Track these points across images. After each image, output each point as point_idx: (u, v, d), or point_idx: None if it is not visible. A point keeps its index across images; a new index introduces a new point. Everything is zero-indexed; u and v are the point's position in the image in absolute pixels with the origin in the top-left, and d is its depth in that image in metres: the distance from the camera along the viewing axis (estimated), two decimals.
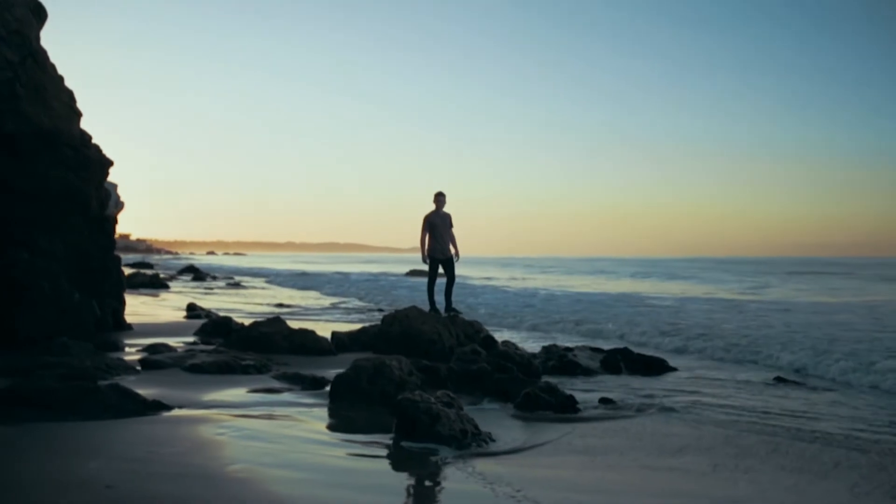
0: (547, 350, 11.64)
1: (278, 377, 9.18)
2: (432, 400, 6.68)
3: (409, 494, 4.82)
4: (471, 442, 6.33)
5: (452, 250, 12.36)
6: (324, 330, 12.96)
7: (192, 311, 19.57)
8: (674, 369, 11.52)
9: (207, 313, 18.51)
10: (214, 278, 44.46)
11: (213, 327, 13.57)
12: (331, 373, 9.70)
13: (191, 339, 13.01)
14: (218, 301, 24.43)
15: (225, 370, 9.36)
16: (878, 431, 7.19)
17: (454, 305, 12.52)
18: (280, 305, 23.74)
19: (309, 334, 11.55)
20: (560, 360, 11.02)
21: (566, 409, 8.02)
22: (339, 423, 7.16)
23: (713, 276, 55.80)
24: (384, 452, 6.03)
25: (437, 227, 12.10)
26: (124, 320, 13.83)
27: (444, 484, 5.01)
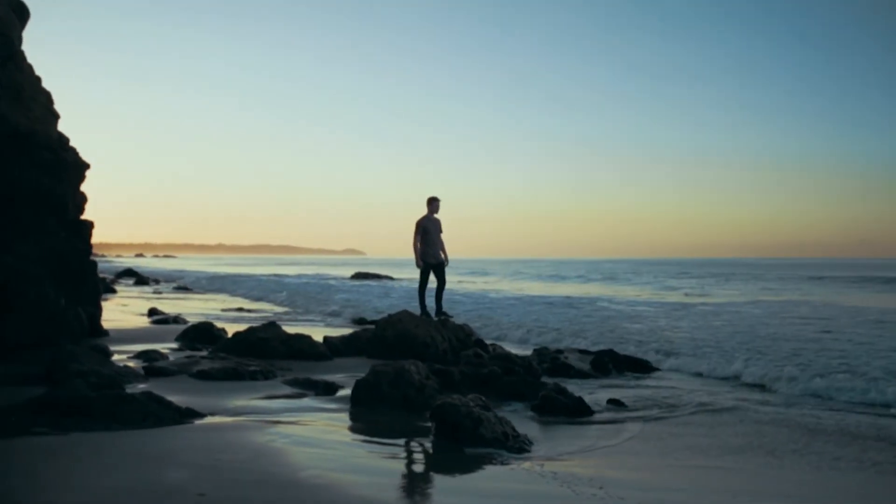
0: (539, 353, 11.90)
1: (290, 383, 9.21)
2: (471, 404, 6.84)
3: (497, 496, 4.95)
4: (513, 445, 6.52)
5: (442, 255, 12.49)
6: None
7: (155, 315, 19.27)
8: (657, 369, 11.92)
9: (175, 318, 18.26)
10: (157, 282, 43.53)
11: (195, 333, 13.43)
12: (334, 377, 9.79)
13: (173, 345, 12.86)
14: (175, 306, 23.98)
15: (233, 376, 9.33)
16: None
17: (444, 309, 12.65)
18: (240, 310, 23.49)
19: (306, 339, 11.55)
20: (553, 363, 11.29)
21: (581, 411, 8.27)
22: (371, 427, 7.24)
23: (660, 279, 57.05)
24: (441, 456, 6.16)
25: (430, 231, 12.23)
26: (101, 326, 13.57)
27: (523, 486, 5.16)
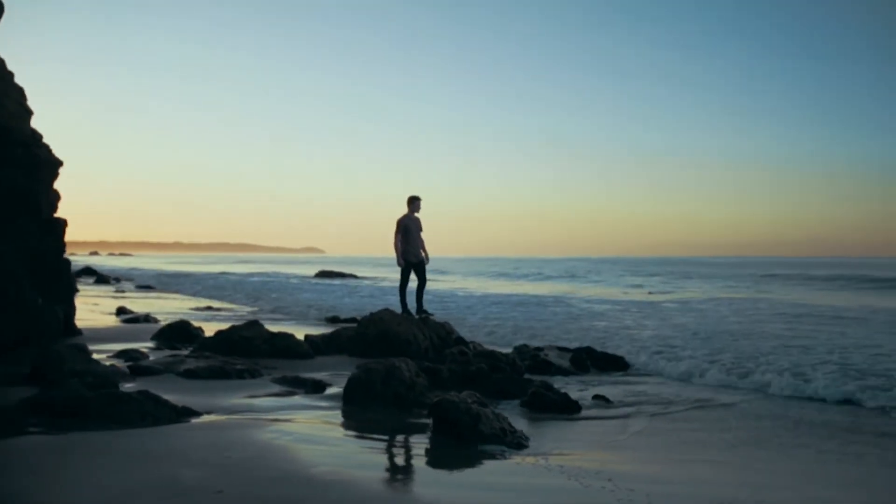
0: (519, 350, 12.04)
1: (278, 381, 9.21)
2: (469, 400, 6.94)
3: (509, 490, 5.04)
4: (511, 440, 6.62)
5: (423, 254, 12.56)
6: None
7: (125, 314, 19.03)
8: (631, 365, 12.12)
9: (146, 317, 18.06)
10: (118, 280, 42.85)
11: (171, 332, 13.32)
12: (319, 376, 9.80)
13: (150, 344, 12.74)
14: (142, 305, 23.67)
15: (220, 375, 9.31)
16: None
17: (424, 307, 12.72)
18: (210, 309, 23.28)
19: (289, 338, 11.55)
20: (534, 360, 11.43)
21: (570, 408, 8.41)
22: (368, 424, 7.29)
23: (621, 278, 57.62)
24: (444, 452, 6.24)
25: (411, 230, 12.29)
26: (75, 325, 13.40)
27: (532, 480, 5.27)
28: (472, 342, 12.27)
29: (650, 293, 35.02)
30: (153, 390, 8.08)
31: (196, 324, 14.15)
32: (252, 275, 53.08)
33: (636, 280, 49.46)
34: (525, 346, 12.52)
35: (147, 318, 17.87)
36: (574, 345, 13.90)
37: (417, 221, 12.50)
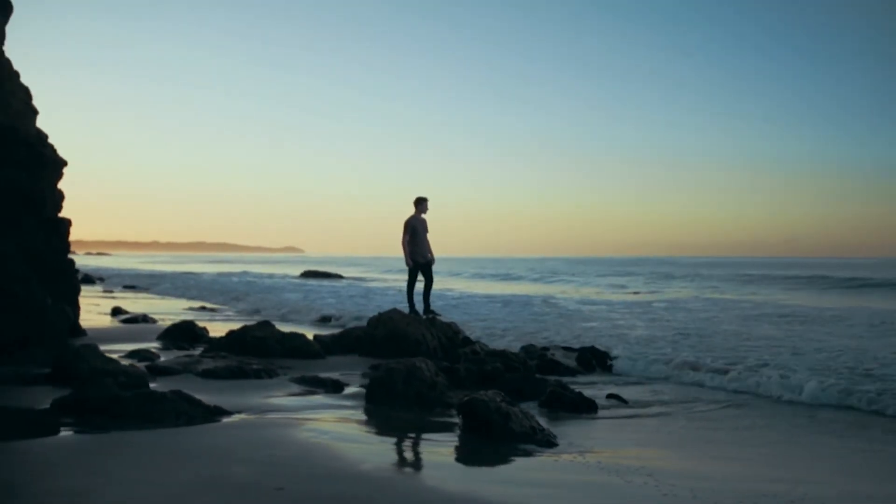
0: (526, 350, 12.18)
1: (297, 381, 9.28)
2: (498, 399, 7.07)
3: (557, 486, 5.17)
4: (541, 438, 6.75)
5: (429, 255, 12.67)
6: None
7: (121, 314, 18.96)
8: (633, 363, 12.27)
9: (144, 317, 18.02)
10: (102, 280, 42.57)
11: (177, 332, 13.35)
12: (334, 375, 9.88)
13: (156, 344, 12.77)
14: (135, 305, 23.58)
15: (238, 375, 9.37)
16: None
17: (432, 307, 12.83)
18: (203, 309, 23.25)
19: (300, 338, 11.63)
20: (541, 359, 11.58)
21: (588, 407, 8.56)
22: (396, 423, 7.40)
23: (603, 278, 57.96)
24: (480, 449, 6.36)
25: (418, 231, 12.39)
26: (79, 325, 13.38)
27: (576, 476, 5.39)
28: (476, 342, 12.42)
29: (636, 293, 35.35)
30: (184, 390, 8.20)
31: (203, 324, 14.20)
32: (235, 274, 52.86)
33: (620, 280, 49.83)
34: (532, 345, 12.67)
35: (145, 319, 17.84)
36: (569, 344, 14.04)
37: (424, 223, 12.61)
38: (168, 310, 22.01)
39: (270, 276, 52.13)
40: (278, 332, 11.68)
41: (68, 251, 13.54)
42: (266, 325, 11.88)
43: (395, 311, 12.40)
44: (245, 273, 55.11)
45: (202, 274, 52.02)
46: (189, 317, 19.48)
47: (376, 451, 6.01)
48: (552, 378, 9.91)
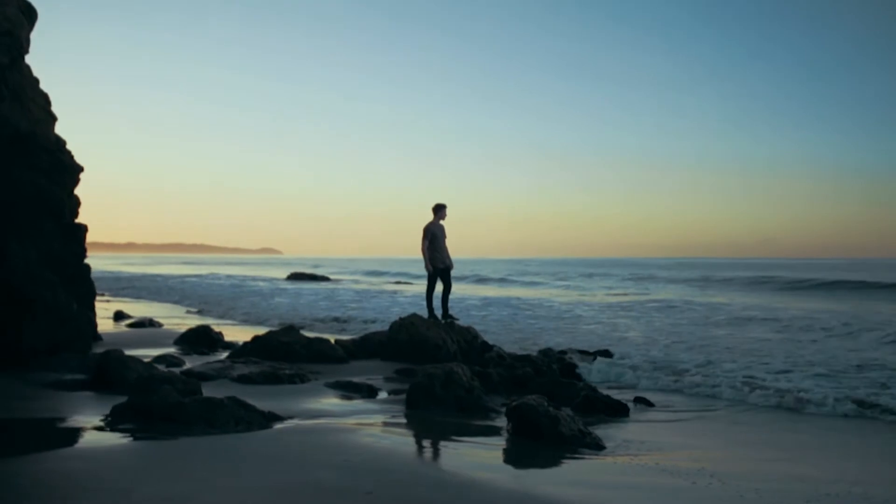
0: (545, 353, 12.40)
1: (332, 386, 9.45)
2: (545, 404, 7.28)
3: (627, 488, 5.38)
4: (590, 441, 6.97)
5: (448, 260, 12.84)
6: None
7: (124, 318, 18.96)
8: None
9: (150, 321, 18.05)
10: None
11: (194, 337, 13.49)
12: (361, 380, 10.04)
13: (173, 349, 12.88)
14: (133, 309, 23.53)
15: (273, 380, 9.52)
16: None
17: (450, 312, 13.01)
18: (201, 312, 23.27)
19: (325, 343, 11.79)
20: (560, 363, 11.80)
21: (620, 410, 8.80)
22: (444, 427, 7.56)
23: (583, 280, 58.25)
24: (534, 452, 6.56)
25: (437, 237, 12.58)
26: (96, 331, 13.42)
27: (640, 478, 5.60)
28: (494, 345, 12.63)
29: (615, 293, 35.68)
30: (217, 396, 8.34)
31: (219, 329, 14.32)
32: (219, 276, 52.62)
33: (606, 282, 50.20)
34: (550, 349, 12.89)
35: (151, 323, 17.88)
36: (562, 347, 14.14)
37: (443, 229, 12.79)
38: (167, 314, 22.00)
39: (259, 279, 51.79)
40: (304, 337, 11.83)
41: (85, 256, 13.56)
42: (291, 329, 12.03)
43: (415, 315, 12.58)
44: (233, 276, 54.68)
45: (186, 277, 51.58)
46: (190, 321, 19.58)
47: (443, 455, 6.23)
48: (580, 383, 10.11)
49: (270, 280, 49.42)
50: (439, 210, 12.69)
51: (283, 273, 58.52)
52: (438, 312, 12.76)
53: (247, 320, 21.15)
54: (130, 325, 17.63)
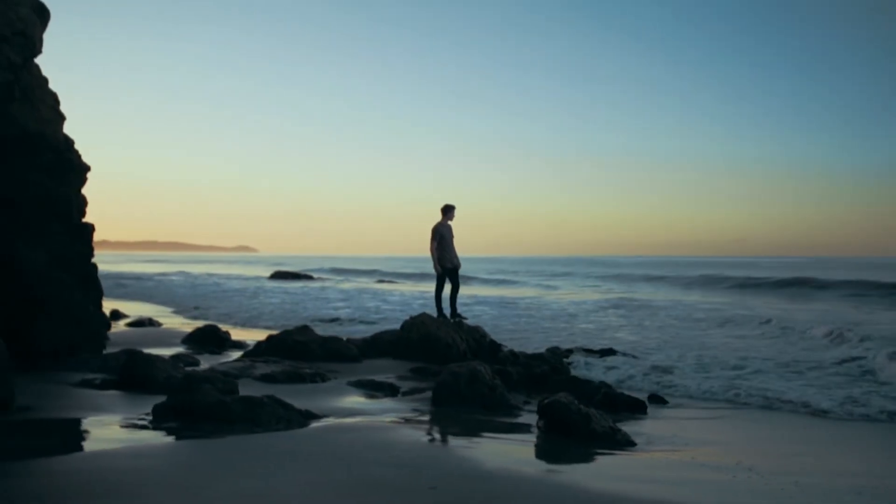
0: (552, 352, 12.62)
1: (355, 385, 9.60)
2: (576, 402, 7.48)
3: (674, 483, 5.56)
4: (621, 438, 7.18)
5: (456, 260, 13.02)
6: None
7: (121, 318, 18.91)
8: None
9: (150, 320, 18.06)
10: None
11: (202, 336, 13.58)
12: (378, 378, 10.19)
13: (181, 348, 12.97)
14: (126, 309, 23.41)
15: (295, 379, 9.65)
16: None
17: (458, 311, 13.18)
18: (196, 308, 23.26)
19: (340, 342, 11.92)
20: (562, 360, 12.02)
21: (639, 407, 9.04)
22: (474, 424, 7.72)
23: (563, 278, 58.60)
24: (568, 448, 6.75)
25: (446, 237, 12.74)
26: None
27: (682, 473, 5.80)
28: (502, 345, 12.83)
29: (613, 293, 36.09)
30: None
31: (226, 329, 14.41)
32: (199, 275, 52.19)
33: (590, 281, 50.62)
34: (557, 347, 13.11)
35: (151, 322, 17.90)
36: (566, 345, 14.35)
37: (451, 229, 12.96)
38: (161, 314, 21.93)
39: (242, 277, 51.43)
40: (319, 336, 11.95)
41: (92, 256, 13.57)
42: (306, 329, 12.15)
43: (425, 315, 12.75)
44: (215, 275, 54.16)
45: (166, 275, 51.08)
46: (186, 321, 19.62)
47: (486, 450, 6.36)
48: (597, 381, 10.33)
49: (255, 279, 49.21)
50: (448, 211, 12.86)
51: (263, 272, 58.33)
52: (447, 311, 12.93)
53: (247, 320, 21.14)
54: (130, 325, 17.63)
